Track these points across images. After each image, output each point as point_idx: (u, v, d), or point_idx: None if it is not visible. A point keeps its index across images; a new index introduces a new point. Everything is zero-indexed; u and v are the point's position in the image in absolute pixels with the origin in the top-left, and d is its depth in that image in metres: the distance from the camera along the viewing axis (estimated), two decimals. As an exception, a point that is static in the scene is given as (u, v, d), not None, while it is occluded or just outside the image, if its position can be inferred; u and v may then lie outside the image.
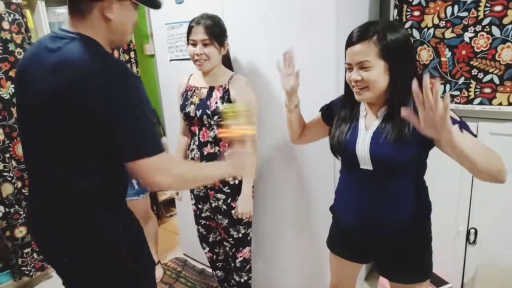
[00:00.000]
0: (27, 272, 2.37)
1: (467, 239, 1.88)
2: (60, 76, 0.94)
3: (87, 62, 0.95)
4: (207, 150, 1.72)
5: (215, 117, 1.64)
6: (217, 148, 1.71)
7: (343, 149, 1.26)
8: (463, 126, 1.04)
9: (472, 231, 1.85)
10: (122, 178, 1.14)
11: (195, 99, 1.71)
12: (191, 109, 1.71)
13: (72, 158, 1.02)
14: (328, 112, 1.38)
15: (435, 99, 0.84)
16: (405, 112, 0.92)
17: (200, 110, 1.68)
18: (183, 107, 1.76)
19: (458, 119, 1.10)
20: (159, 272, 2.48)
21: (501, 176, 0.99)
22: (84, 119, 0.94)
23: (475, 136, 1.07)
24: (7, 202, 2.24)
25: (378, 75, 1.09)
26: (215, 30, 1.60)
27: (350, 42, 1.12)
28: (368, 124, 1.21)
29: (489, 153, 0.99)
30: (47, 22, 2.39)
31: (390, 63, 1.08)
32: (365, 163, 1.19)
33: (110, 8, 0.99)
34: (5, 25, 2.14)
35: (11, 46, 2.17)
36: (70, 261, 1.11)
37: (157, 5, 1.13)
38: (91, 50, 0.98)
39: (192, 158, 1.78)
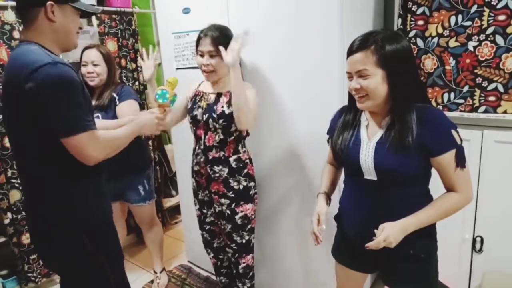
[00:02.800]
0: (33, 279, 2.38)
1: (473, 247, 1.87)
2: (8, 73, 1.17)
3: (23, 56, 1.13)
4: (212, 154, 1.74)
5: (221, 121, 1.67)
6: (222, 153, 1.73)
7: (346, 159, 1.26)
8: (459, 152, 1.12)
9: (478, 239, 1.85)
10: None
11: (203, 103, 1.75)
12: (198, 112, 1.75)
13: (30, 145, 1.20)
14: (332, 131, 1.38)
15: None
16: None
17: (207, 114, 1.71)
18: (190, 111, 1.79)
19: (459, 142, 1.12)
20: (164, 279, 2.48)
21: (464, 206, 1.18)
22: (24, 103, 1.13)
23: (464, 164, 1.14)
24: (15, 209, 2.26)
25: (377, 83, 1.11)
26: (222, 42, 1.62)
27: (349, 52, 1.15)
28: (370, 134, 1.22)
29: (448, 206, 1.16)
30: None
31: (388, 72, 1.10)
32: (369, 173, 1.20)
33: (52, 11, 1.18)
34: (16, 34, 2.18)
35: (21, 55, 2.22)
36: (41, 243, 1.31)
37: (88, 15, 1.36)
38: (31, 48, 1.16)
39: (198, 163, 1.80)
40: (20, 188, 1.39)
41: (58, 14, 1.19)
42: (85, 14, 1.34)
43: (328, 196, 1.40)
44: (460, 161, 1.13)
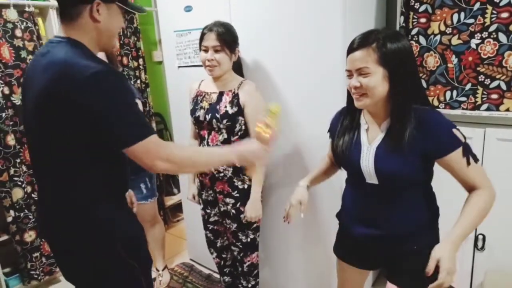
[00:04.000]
0: (36, 276, 2.39)
1: (475, 245, 1.87)
2: (47, 76, 1.02)
3: (69, 60, 1.02)
4: None
5: (224, 121, 1.67)
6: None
7: (348, 164, 1.27)
8: (466, 149, 1.10)
9: (480, 237, 1.84)
10: (121, 174, 1.20)
11: (205, 104, 1.75)
12: (200, 113, 1.75)
13: (69, 156, 1.08)
14: (333, 134, 1.37)
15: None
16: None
17: (210, 114, 1.71)
18: (193, 112, 1.79)
19: (463, 140, 1.10)
20: (166, 277, 2.48)
21: (494, 200, 1.14)
22: (72, 114, 1.01)
23: (476, 158, 1.12)
24: (17, 207, 2.27)
25: (377, 81, 1.10)
26: (227, 37, 1.64)
27: (350, 49, 1.14)
28: (371, 138, 1.21)
29: (481, 205, 1.12)
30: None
31: (389, 70, 1.09)
32: (371, 178, 1.20)
33: (98, 10, 1.07)
34: (18, 32, 2.19)
35: (23, 53, 2.22)
36: (72, 258, 1.18)
37: (140, 10, 1.23)
38: (72, 50, 1.05)
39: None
40: (40, 202, 1.27)
41: (104, 14, 1.09)
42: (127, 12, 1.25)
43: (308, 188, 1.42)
44: (471, 157, 1.11)
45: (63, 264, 1.27)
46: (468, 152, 1.11)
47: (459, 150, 1.10)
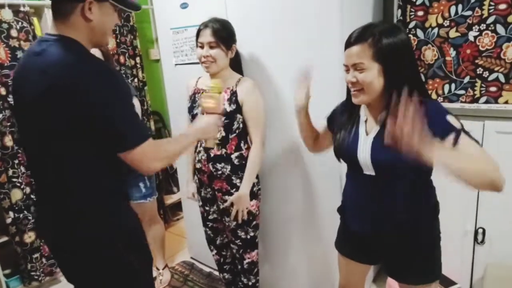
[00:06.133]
0: (36, 277, 2.39)
1: (475, 239, 1.87)
2: (47, 77, 1.02)
3: (68, 62, 1.03)
4: (214, 152, 1.73)
5: (222, 119, 1.66)
6: (223, 150, 1.72)
7: (345, 155, 1.27)
8: (457, 136, 1.03)
9: (480, 230, 1.84)
10: (119, 169, 1.18)
11: None
12: (198, 111, 1.74)
13: (69, 155, 1.08)
14: (332, 120, 1.40)
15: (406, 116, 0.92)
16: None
17: None
18: (191, 109, 1.78)
19: (458, 127, 1.06)
20: (166, 275, 2.48)
21: (496, 187, 1.01)
22: (72, 115, 1.02)
23: (477, 142, 1.05)
24: (16, 208, 2.27)
25: (373, 77, 1.09)
26: (222, 34, 1.64)
27: (347, 44, 1.14)
28: (369, 129, 1.21)
29: (482, 167, 1.00)
30: (54, 29, 2.42)
31: (384, 66, 1.09)
32: (368, 169, 1.20)
33: (90, 9, 1.07)
34: (13, 33, 2.18)
35: (20, 54, 2.21)
36: (72, 256, 1.18)
37: (134, 7, 1.23)
38: (71, 50, 1.06)
39: (199, 160, 1.79)
40: (40, 202, 1.26)
41: (96, 12, 1.08)
42: (123, 10, 1.24)
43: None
44: (458, 140, 1.03)
45: (64, 264, 1.26)
46: (457, 137, 1.04)
47: (452, 137, 1.05)
